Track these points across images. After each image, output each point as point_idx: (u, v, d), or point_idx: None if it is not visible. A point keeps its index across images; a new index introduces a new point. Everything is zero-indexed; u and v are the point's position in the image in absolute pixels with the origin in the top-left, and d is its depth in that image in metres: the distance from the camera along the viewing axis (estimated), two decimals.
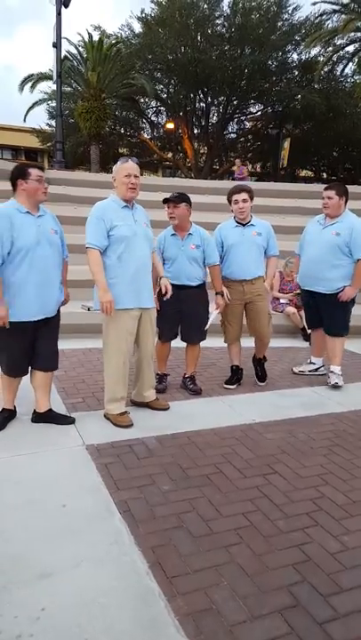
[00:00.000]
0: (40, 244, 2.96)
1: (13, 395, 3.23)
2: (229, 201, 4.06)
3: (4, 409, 3.22)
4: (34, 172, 2.95)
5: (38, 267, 2.96)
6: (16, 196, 2.98)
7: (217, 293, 3.95)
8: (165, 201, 3.76)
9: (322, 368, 4.56)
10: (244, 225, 4.05)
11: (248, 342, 4.35)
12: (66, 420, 3.29)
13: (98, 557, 1.98)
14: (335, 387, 4.22)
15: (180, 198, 3.76)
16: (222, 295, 3.95)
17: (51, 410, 3.31)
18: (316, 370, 4.60)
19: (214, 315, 3.97)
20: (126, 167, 3.20)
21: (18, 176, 2.94)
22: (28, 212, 2.95)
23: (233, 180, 15.62)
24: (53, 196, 8.02)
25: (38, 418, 3.27)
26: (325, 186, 4.28)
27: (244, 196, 3.96)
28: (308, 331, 4.99)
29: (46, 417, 3.26)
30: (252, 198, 4.01)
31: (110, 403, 3.34)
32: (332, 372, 4.30)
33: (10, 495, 2.41)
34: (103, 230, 3.12)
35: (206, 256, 3.86)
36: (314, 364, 4.62)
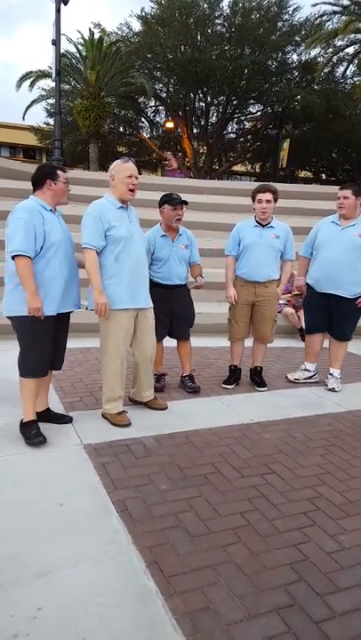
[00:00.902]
0: (65, 241, 3.03)
1: (35, 403, 3.09)
2: (253, 199, 4.01)
3: (31, 421, 3.04)
4: (62, 174, 3.03)
5: (66, 262, 3.03)
6: (39, 194, 2.99)
7: (195, 276, 4.02)
8: (178, 203, 3.74)
9: (316, 375, 4.42)
10: (263, 226, 4.02)
11: (246, 342, 4.36)
12: (63, 420, 3.30)
13: (95, 557, 1.98)
14: (332, 391, 4.19)
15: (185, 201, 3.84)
16: (202, 277, 4.00)
17: (48, 409, 3.32)
18: (311, 377, 4.41)
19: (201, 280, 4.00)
20: (128, 167, 3.17)
21: (47, 175, 2.98)
22: (51, 210, 3.01)
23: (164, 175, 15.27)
24: None
25: (36, 417, 3.24)
26: (341, 186, 4.10)
27: (269, 196, 3.92)
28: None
29: (44, 416, 3.25)
30: (276, 200, 3.98)
31: (108, 402, 3.34)
32: (331, 374, 4.27)
33: (7, 494, 2.41)
34: (101, 230, 3.11)
35: (192, 255, 3.97)
36: (308, 370, 4.42)
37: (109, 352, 3.27)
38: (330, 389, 4.18)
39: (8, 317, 2.95)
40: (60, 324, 3.10)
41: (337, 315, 4.10)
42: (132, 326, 3.31)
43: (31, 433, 2.98)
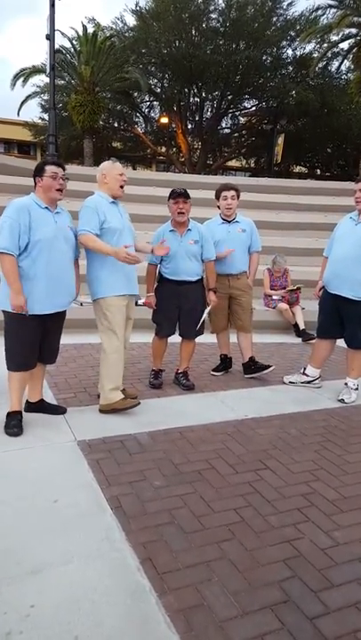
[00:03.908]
0: (57, 239, 3.00)
1: (22, 394, 3.15)
2: (217, 197, 4.23)
3: (15, 412, 3.09)
4: (49, 168, 3.00)
5: (55, 261, 2.99)
6: (36, 192, 3.04)
7: (210, 289, 3.99)
8: (177, 195, 3.74)
9: (317, 380, 4.20)
10: (229, 222, 4.22)
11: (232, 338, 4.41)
12: (57, 411, 3.35)
13: (89, 553, 1.97)
14: (341, 402, 3.88)
15: (188, 194, 3.82)
16: (215, 292, 4.00)
17: (43, 400, 3.37)
18: (310, 382, 4.19)
19: (206, 311, 4.00)
20: (119, 166, 3.41)
21: (36, 173, 3.02)
22: (47, 207, 3.00)
23: None
24: None
25: (30, 407, 3.31)
26: (358, 179, 3.86)
27: (233, 193, 4.15)
28: (312, 340, 4.82)
29: (38, 407, 3.32)
30: (238, 197, 4.21)
31: (112, 391, 3.36)
32: (345, 384, 4.00)
33: (0, 491, 2.39)
34: (97, 221, 3.21)
35: (204, 251, 3.93)
36: (307, 375, 4.20)
37: (112, 339, 3.33)
38: (339, 400, 3.90)
39: None
40: (51, 322, 3.10)
41: (348, 320, 3.84)
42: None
43: (10, 423, 3.04)
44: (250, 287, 4.30)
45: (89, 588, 1.78)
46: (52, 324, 3.13)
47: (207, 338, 4.44)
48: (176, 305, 3.87)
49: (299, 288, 6.48)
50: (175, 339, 4.10)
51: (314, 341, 4.44)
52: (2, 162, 10.46)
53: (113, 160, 3.48)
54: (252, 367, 4.37)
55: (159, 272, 3.95)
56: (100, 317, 3.36)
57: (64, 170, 3.07)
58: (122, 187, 3.38)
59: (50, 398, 3.57)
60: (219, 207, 4.27)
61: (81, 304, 5.77)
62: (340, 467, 2.83)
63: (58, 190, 3.01)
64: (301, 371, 4.26)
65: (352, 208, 3.91)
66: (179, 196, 3.75)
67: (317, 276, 4.27)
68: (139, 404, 3.39)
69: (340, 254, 3.82)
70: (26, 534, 2.08)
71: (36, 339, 3.06)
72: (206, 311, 3.99)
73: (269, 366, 4.34)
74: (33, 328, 3.00)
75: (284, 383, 4.26)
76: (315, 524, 2.26)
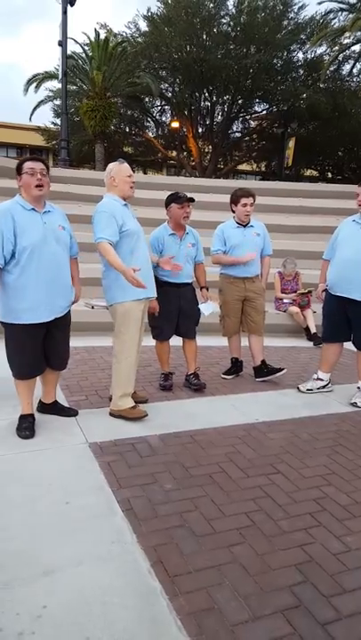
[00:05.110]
0: (47, 242, 2.86)
1: (31, 398, 3.13)
2: (235, 202, 4.24)
3: (26, 415, 3.09)
4: (26, 164, 2.84)
5: (46, 265, 2.86)
6: (20, 193, 2.91)
7: (202, 288, 4.15)
8: (186, 200, 3.80)
9: (330, 385, 4.16)
10: (244, 226, 4.27)
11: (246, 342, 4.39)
12: (69, 413, 3.36)
13: (100, 556, 1.98)
14: (354, 405, 3.85)
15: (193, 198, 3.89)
16: (207, 289, 4.14)
17: (56, 402, 3.38)
18: (325, 387, 4.14)
19: (212, 306, 4.09)
20: (127, 168, 3.33)
21: (16, 172, 2.87)
22: (33, 208, 2.86)
23: None
24: (58, 194, 8.03)
25: (44, 408, 3.33)
26: (360, 182, 3.87)
27: (252, 200, 4.21)
28: (320, 343, 4.80)
29: (51, 408, 3.34)
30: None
31: (122, 398, 3.35)
32: (358, 387, 3.95)
33: (13, 492, 2.41)
34: (115, 226, 3.13)
35: (198, 254, 4.05)
36: (321, 379, 4.13)
37: (128, 344, 3.30)
38: (352, 404, 3.86)
39: None
40: (54, 328, 3.04)
41: (354, 321, 3.78)
42: None
43: (22, 425, 3.04)
44: (264, 290, 4.38)
45: (100, 590, 1.79)
46: (56, 329, 3.05)
47: (217, 342, 4.45)
48: (177, 307, 3.91)
49: (310, 291, 6.45)
50: (176, 342, 4.11)
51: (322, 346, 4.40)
52: (8, 165, 10.57)
53: (120, 161, 3.37)
54: (265, 370, 4.36)
55: (156, 276, 3.85)
56: (118, 323, 3.31)
57: (45, 165, 2.90)
58: (132, 188, 3.34)
59: (62, 400, 3.58)
60: (233, 212, 4.30)
61: (92, 307, 5.81)
62: (352, 471, 2.81)
63: (37, 187, 2.81)
64: (315, 377, 4.19)
65: None
66: (186, 200, 3.79)
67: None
68: (146, 415, 3.35)
69: (347, 257, 3.77)
70: (37, 536, 2.09)
71: (37, 347, 2.99)
72: (210, 307, 4.07)
73: (282, 369, 4.35)
74: (32, 337, 2.92)
75: (301, 391, 4.12)
76: (326, 528, 2.24)
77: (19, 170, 2.85)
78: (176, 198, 3.82)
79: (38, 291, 2.86)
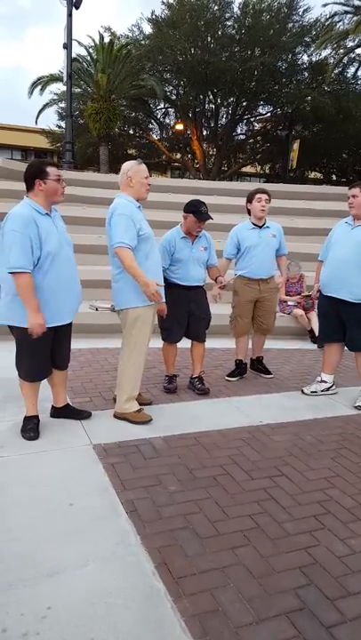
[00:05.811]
0: (62, 246, 2.87)
1: (36, 399, 3.14)
2: (250, 199, 4.25)
3: (31, 416, 3.09)
4: (52, 170, 2.77)
5: (65, 268, 2.88)
6: (32, 196, 2.80)
7: (217, 278, 4.01)
8: (205, 218, 3.74)
9: (334, 386, 4.17)
10: (260, 227, 4.26)
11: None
12: (81, 415, 3.35)
13: (104, 557, 1.98)
14: (358, 409, 3.83)
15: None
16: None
17: (68, 405, 3.38)
18: (329, 389, 4.15)
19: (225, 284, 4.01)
20: (144, 169, 3.24)
21: (36, 175, 2.75)
22: (47, 213, 2.81)
23: None
24: None
25: (56, 413, 3.32)
26: (351, 185, 3.94)
27: (267, 196, 4.22)
28: (319, 345, 4.90)
29: (64, 411, 3.33)
30: (269, 201, 4.27)
31: (127, 402, 3.35)
32: None
33: (17, 493, 2.42)
34: (134, 231, 3.06)
35: (210, 257, 4.02)
36: (325, 381, 4.15)
37: (138, 348, 3.29)
38: (356, 407, 3.85)
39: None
40: (62, 331, 3.06)
41: (347, 322, 3.84)
42: None
43: (27, 427, 3.04)
44: (277, 289, 4.47)
45: (104, 591, 1.79)
46: (62, 332, 3.08)
47: (222, 344, 4.45)
48: (187, 310, 3.89)
49: None
50: (184, 345, 4.11)
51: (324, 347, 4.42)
52: (19, 169, 10.63)
53: (138, 161, 3.22)
54: (261, 367, 4.62)
55: (166, 278, 3.84)
56: (128, 327, 3.27)
57: None
58: (148, 190, 3.26)
59: None
60: (249, 212, 4.29)
61: (96, 309, 5.82)
62: (356, 474, 2.81)
63: (62, 194, 2.85)
64: (318, 379, 4.19)
65: None
66: (205, 218, 3.74)
67: None
68: (150, 420, 3.34)
69: (338, 258, 3.84)
70: (42, 537, 2.10)
71: (48, 351, 3.01)
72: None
73: (271, 375, 4.60)
74: (46, 341, 2.91)
75: (305, 394, 4.12)
76: (331, 531, 2.24)
77: (42, 173, 2.75)
78: (197, 212, 3.72)
79: (59, 296, 2.88)
